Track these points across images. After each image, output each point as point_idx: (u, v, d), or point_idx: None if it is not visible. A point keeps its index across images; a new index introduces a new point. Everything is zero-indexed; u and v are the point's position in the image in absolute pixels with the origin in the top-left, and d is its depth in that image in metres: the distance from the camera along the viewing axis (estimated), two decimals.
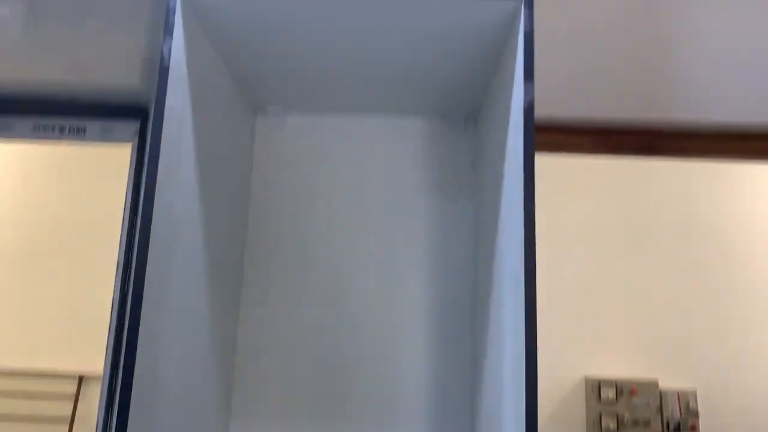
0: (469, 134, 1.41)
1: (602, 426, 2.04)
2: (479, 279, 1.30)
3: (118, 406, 0.86)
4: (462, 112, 1.36)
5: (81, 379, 2.16)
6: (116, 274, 1.55)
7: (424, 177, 1.42)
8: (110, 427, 1.51)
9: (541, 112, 1.35)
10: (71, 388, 2.14)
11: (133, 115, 1.47)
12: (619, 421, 2.05)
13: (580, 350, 2.20)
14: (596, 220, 2.26)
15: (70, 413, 2.11)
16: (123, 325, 1.54)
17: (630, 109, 1.35)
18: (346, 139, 1.45)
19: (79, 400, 2.14)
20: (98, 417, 1.56)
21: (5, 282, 2.27)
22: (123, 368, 0.88)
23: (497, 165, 1.06)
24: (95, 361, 1.78)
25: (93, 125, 1.52)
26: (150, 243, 0.86)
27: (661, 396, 2.07)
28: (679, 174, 2.28)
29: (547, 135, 1.42)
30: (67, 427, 2.08)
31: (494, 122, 1.11)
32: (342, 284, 1.39)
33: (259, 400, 1.36)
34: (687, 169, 2.29)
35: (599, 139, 1.40)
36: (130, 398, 0.86)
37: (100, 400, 1.57)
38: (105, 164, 2.22)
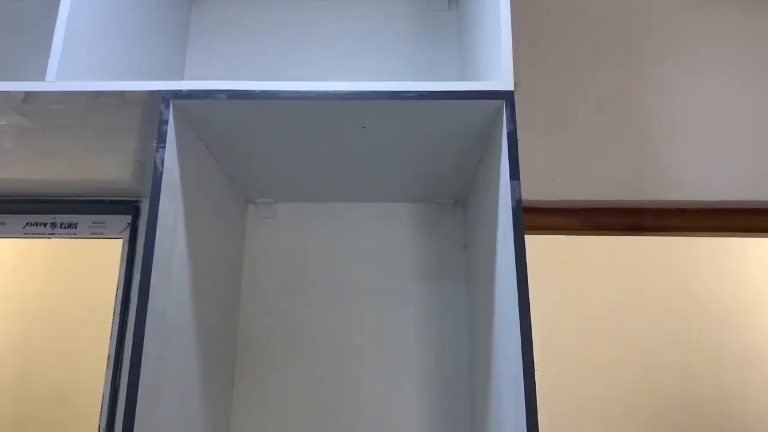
0: (459, 218, 1.42)
1: None
2: (476, 363, 1.29)
3: None
4: (451, 198, 1.38)
5: None
6: (107, 368, 1.52)
7: (416, 261, 1.42)
8: None
9: (528, 195, 1.38)
10: None
11: (124, 210, 1.49)
12: None
13: (579, 426, 2.16)
14: (589, 296, 2.26)
15: None
16: (113, 420, 1.49)
17: (616, 192, 1.38)
18: (337, 225, 1.46)
19: None
20: None
21: None
22: None
23: (489, 248, 1.07)
24: None
25: (84, 220, 1.53)
26: (143, 353, 0.86)
27: None
28: (669, 249, 2.30)
29: (535, 216, 1.44)
30: None
31: (483, 208, 1.13)
32: (336, 374, 1.36)
33: None
34: (677, 244, 2.32)
35: (586, 219, 1.43)
36: None
37: None
38: (95, 257, 2.22)
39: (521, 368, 0.80)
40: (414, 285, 1.39)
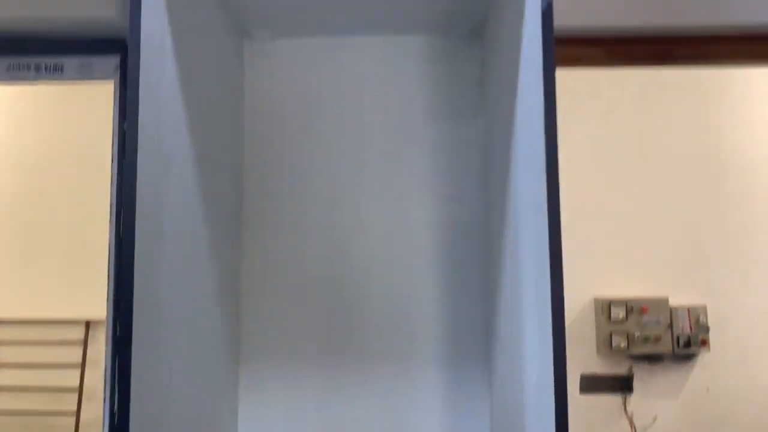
0: (475, 50, 1.31)
1: (612, 345, 2.03)
2: (492, 203, 1.24)
3: (120, 347, 0.81)
4: (466, 27, 1.26)
5: (88, 325, 2.15)
6: (110, 215, 1.49)
7: (428, 98, 1.33)
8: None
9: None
10: (79, 334, 2.14)
11: (112, 49, 1.37)
12: (630, 340, 2.04)
13: (589, 272, 2.17)
14: (604, 136, 2.17)
15: (80, 358, 2.11)
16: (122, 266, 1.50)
17: (644, 14, 1.25)
18: (342, 61, 1.35)
19: (89, 345, 2.13)
20: (106, 361, 1.54)
21: (1, 232, 2.23)
22: (122, 311, 0.84)
23: (509, 82, 0.98)
24: (101, 305, 1.76)
25: (71, 62, 1.42)
26: (137, 183, 0.80)
27: (672, 313, 2.05)
28: (691, 85, 2.17)
29: (559, 47, 1.32)
30: (79, 372, 2.09)
31: (504, 34, 1.02)
32: (347, 215, 1.33)
33: (268, 342, 1.33)
34: (700, 78, 2.18)
35: (613, 50, 1.31)
36: (131, 340, 0.81)
37: (106, 345, 1.55)
38: (90, 102, 2.13)
39: (545, 204, 0.75)
40: (426, 123, 1.31)
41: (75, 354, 2.12)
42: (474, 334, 1.28)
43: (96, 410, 2.05)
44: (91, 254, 2.04)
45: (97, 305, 1.84)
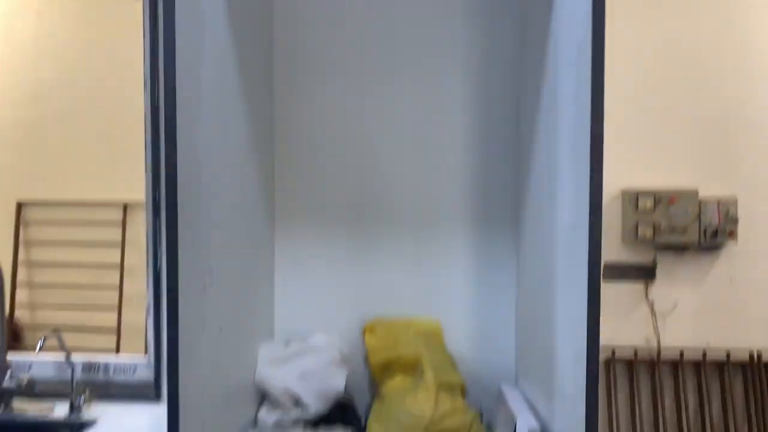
0: None
1: (638, 234, 2.05)
2: (527, 82, 1.23)
3: (166, 219, 0.84)
4: None
5: (125, 207, 2.22)
6: (144, 90, 1.51)
7: None
8: (160, 244, 1.56)
9: None
10: (118, 215, 2.21)
11: None
12: (656, 229, 2.04)
13: (619, 164, 2.15)
14: (637, 30, 2.08)
15: (120, 238, 2.20)
16: (158, 142, 1.53)
17: None
18: None
19: (127, 227, 2.22)
20: (147, 227, 1.61)
21: (40, 119, 2.26)
22: (165, 180, 0.85)
23: None
24: (136, 189, 1.81)
25: None
26: (177, 49, 0.80)
27: (700, 204, 2.04)
28: None
29: None
30: (119, 250, 2.19)
31: None
32: (381, 88, 1.33)
33: (301, 206, 1.37)
34: None
35: None
36: (176, 218, 0.83)
37: (146, 212, 1.62)
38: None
39: (588, 92, 0.73)
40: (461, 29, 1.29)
41: (114, 234, 2.21)
42: (503, 200, 1.32)
43: (136, 285, 2.15)
44: (127, 142, 2.06)
45: (133, 190, 1.91)
